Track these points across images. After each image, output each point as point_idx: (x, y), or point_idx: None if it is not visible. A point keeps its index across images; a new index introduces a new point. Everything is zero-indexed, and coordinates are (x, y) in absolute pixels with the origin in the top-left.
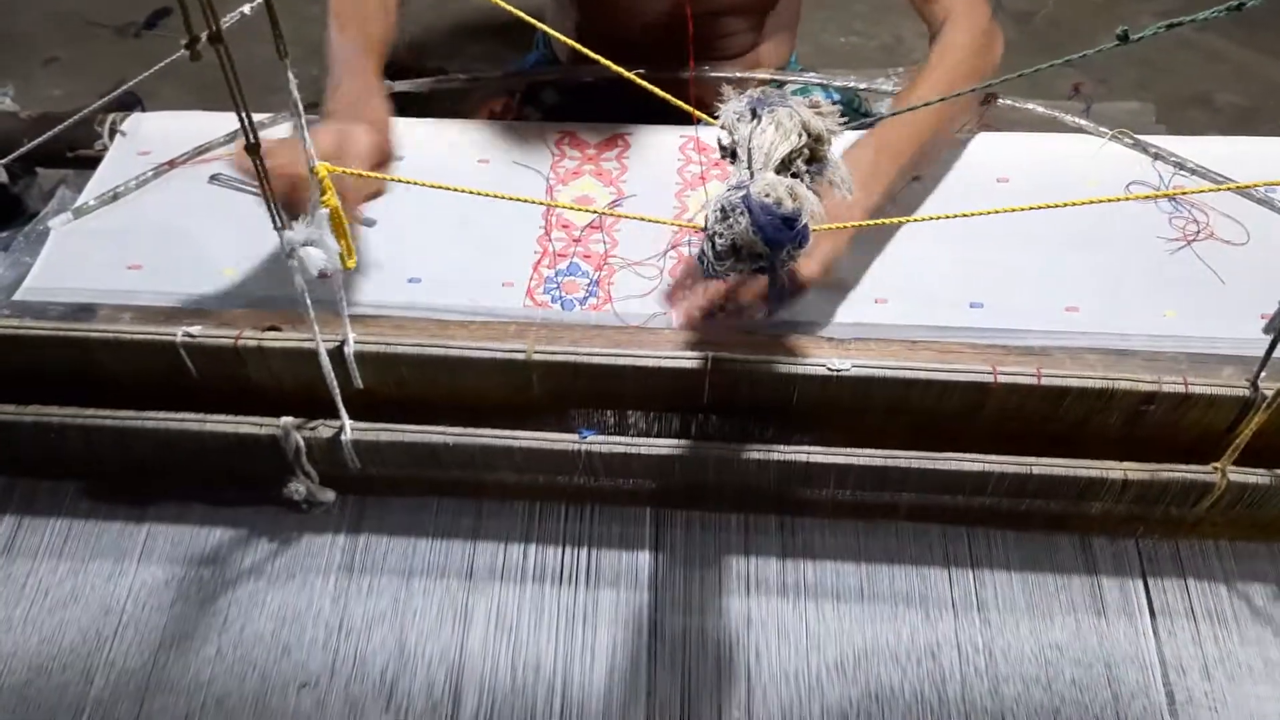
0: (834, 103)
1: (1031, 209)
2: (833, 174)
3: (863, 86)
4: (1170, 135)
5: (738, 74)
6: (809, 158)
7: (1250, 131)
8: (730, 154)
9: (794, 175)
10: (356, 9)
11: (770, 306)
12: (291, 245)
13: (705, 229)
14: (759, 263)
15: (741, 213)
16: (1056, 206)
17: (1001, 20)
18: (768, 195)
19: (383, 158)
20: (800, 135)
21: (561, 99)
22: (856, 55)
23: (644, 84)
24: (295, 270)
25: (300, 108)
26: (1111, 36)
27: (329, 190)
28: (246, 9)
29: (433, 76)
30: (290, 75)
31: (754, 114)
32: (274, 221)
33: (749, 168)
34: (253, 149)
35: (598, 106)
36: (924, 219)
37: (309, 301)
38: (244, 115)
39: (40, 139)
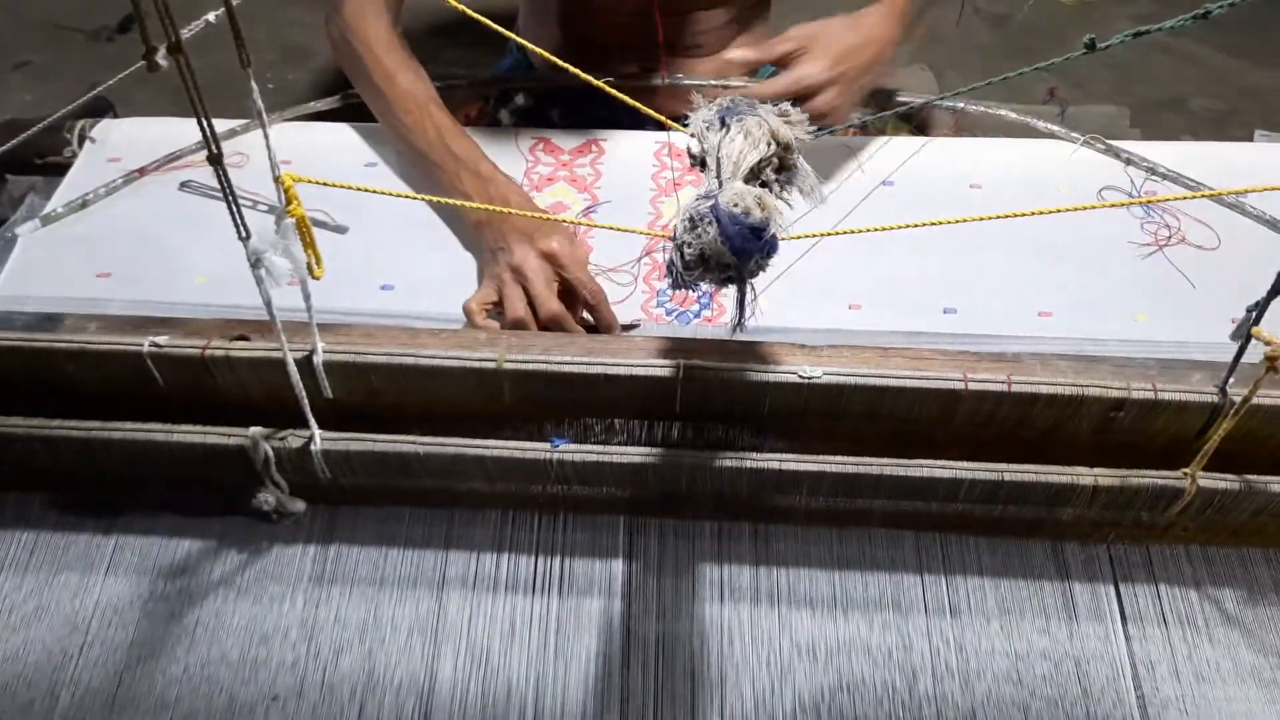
0: None
1: (1009, 216)
2: (801, 182)
3: None
4: (1144, 139)
5: (710, 81)
6: (778, 166)
7: (1224, 135)
8: (700, 162)
9: (763, 184)
10: (411, 82)
11: (738, 318)
12: (257, 255)
13: (674, 239)
14: (727, 272)
15: (710, 222)
16: (1035, 214)
17: (976, 25)
18: (736, 205)
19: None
20: (769, 144)
21: (535, 103)
22: None
23: (615, 93)
24: (261, 280)
25: (264, 118)
26: (1084, 38)
27: (295, 199)
28: (211, 17)
29: None
30: (253, 85)
31: (723, 122)
32: (238, 230)
33: (718, 177)
34: (215, 159)
35: (572, 110)
36: (898, 227)
37: (275, 311)
38: (207, 126)
39: (6, 146)
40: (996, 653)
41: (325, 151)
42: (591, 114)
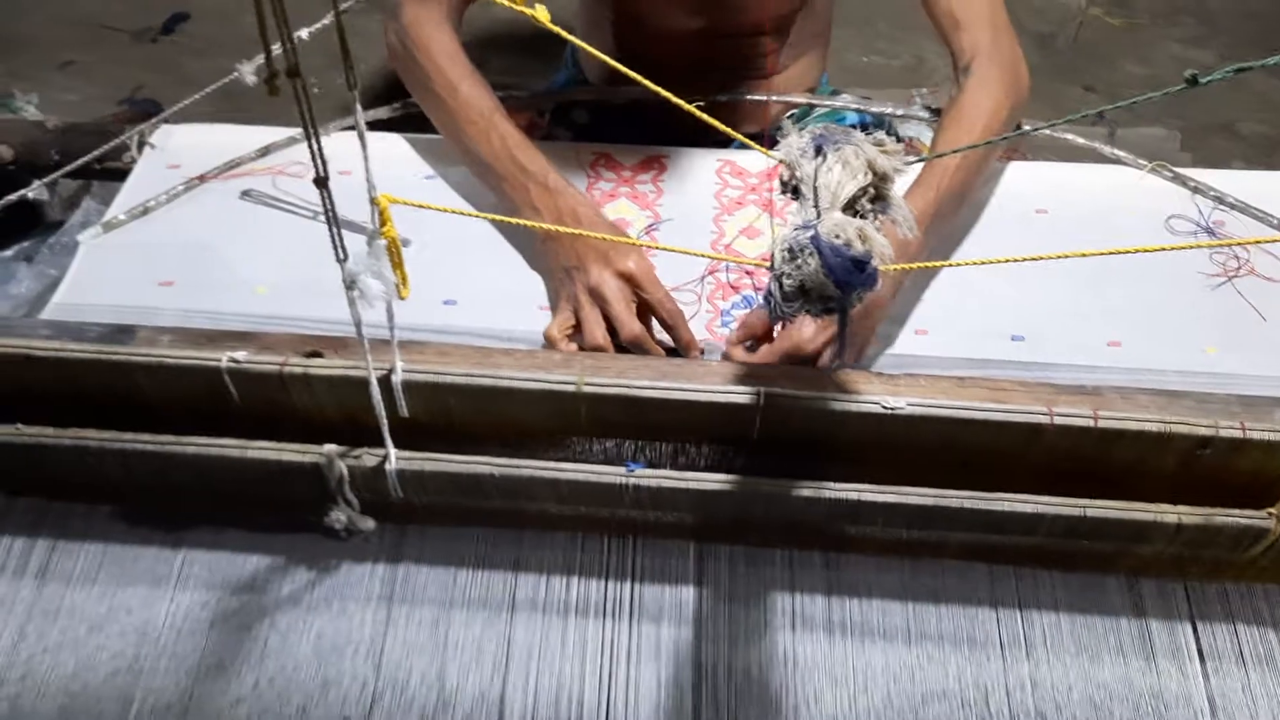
0: (864, 126)
1: (1096, 254)
2: (896, 213)
3: (899, 113)
4: (1195, 163)
5: (773, 97)
6: (874, 196)
7: (1276, 160)
8: (793, 190)
9: (859, 215)
10: (474, 94)
11: (838, 352)
12: (353, 276)
13: (772, 269)
14: (828, 305)
15: (811, 254)
16: (1119, 253)
17: (1023, 43)
18: (837, 236)
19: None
20: (866, 174)
21: (592, 119)
22: (880, 75)
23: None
24: (354, 300)
25: (365, 139)
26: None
27: (388, 221)
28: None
29: None
30: (357, 105)
31: (819, 151)
32: (336, 252)
33: (815, 207)
34: (321, 181)
35: (629, 128)
36: (975, 263)
37: (364, 332)
38: (317, 149)
39: (86, 158)
40: (1074, 689)
41: (383, 163)
42: (649, 131)
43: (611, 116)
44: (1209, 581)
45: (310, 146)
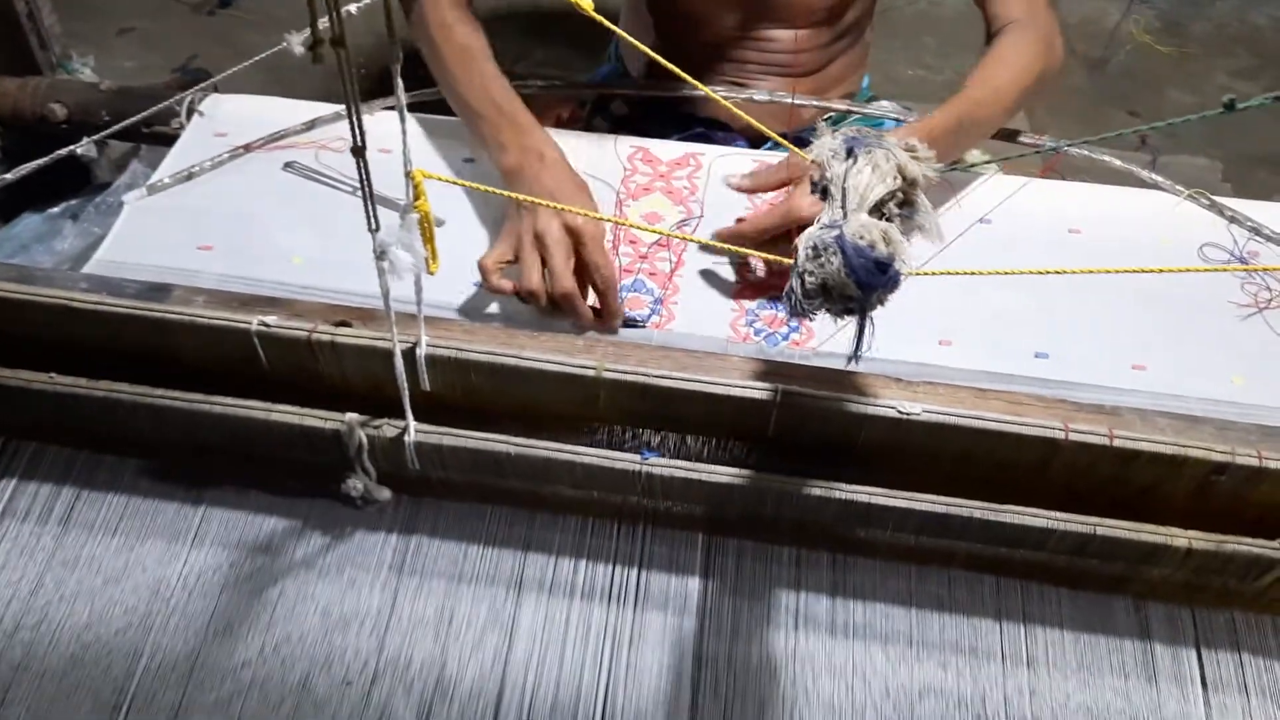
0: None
1: (1126, 272)
2: (923, 220)
3: None
4: (1236, 194)
5: (811, 101)
6: (901, 201)
7: None
8: (821, 190)
9: (885, 218)
10: (465, 36)
11: (855, 350)
12: (384, 247)
13: (794, 266)
14: (848, 304)
15: (834, 253)
16: (1146, 272)
17: (1072, 66)
18: (862, 237)
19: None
20: (896, 178)
21: (631, 112)
22: (923, 88)
23: (725, 103)
24: (384, 272)
25: (404, 114)
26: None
27: (423, 195)
28: (353, 8)
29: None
30: (398, 81)
31: (850, 153)
32: (368, 221)
33: (842, 207)
34: (359, 151)
35: (666, 123)
36: (1004, 272)
37: (391, 303)
38: (356, 120)
39: (134, 118)
40: (1072, 706)
41: (423, 143)
42: (686, 128)
43: (650, 111)
44: (1217, 609)
45: (349, 115)
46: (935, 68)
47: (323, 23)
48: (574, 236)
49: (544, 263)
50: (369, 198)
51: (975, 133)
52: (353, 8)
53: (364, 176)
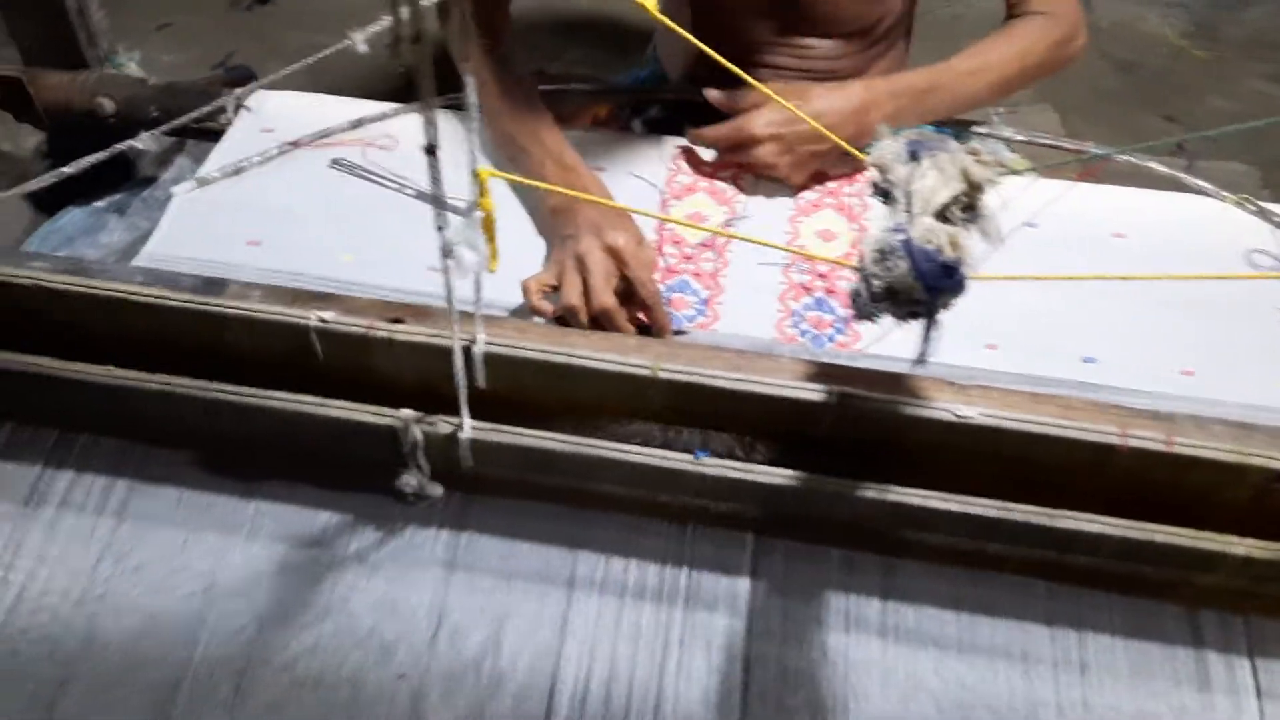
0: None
1: (1176, 278)
2: (986, 225)
3: (983, 132)
4: (1275, 199)
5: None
6: (965, 205)
7: None
8: (883, 194)
9: (949, 222)
10: (511, 69)
11: (922, 353)
12: (450, 245)
13: (860, 269)
14: (915, 308)
15: (901, 256)
16: (1196, 278)
17: (1105, 69)
18: (929, 241)
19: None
20: (960, 182)
21: (669, 115)
22: None
23: (783, 101)
24: (448, 269)
25: (475, 113)
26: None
27: (486, 193)
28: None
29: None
30: (468, 80)
31: (913, 156)
32: (436, 220)
33: (907, 211)
34: (431, 150)
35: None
36: (1058, 278)
37: (453, 300)
38: (430, 120)
39: (190, 116)
40: (1124, 714)
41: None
42: None
43: (688, 115)
44: (1272, 618)
45: (423, 115)
46: None
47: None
48: (616, 257)
49: (585, 283)
50: (438, 196)
51: (948, 100)
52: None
53: (435, 176)
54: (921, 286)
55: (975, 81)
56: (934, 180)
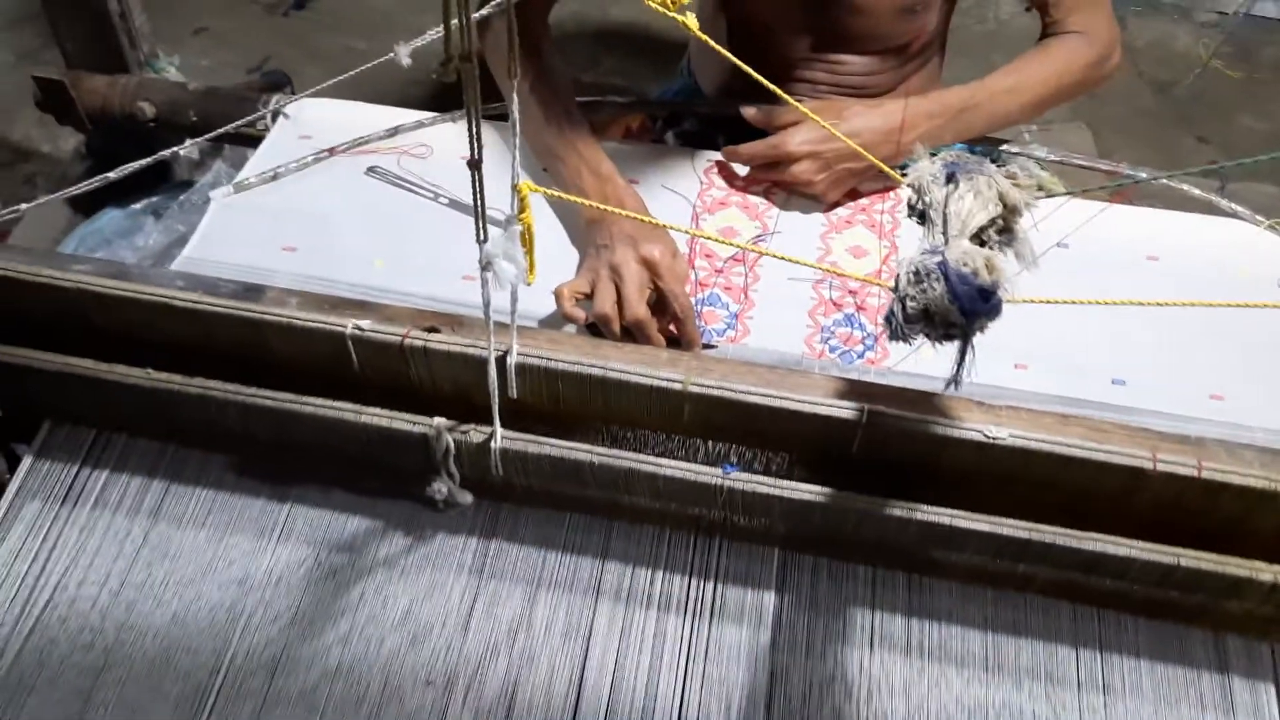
0: (993, 159)
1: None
2: (1021, 249)
3: (1014, 151)
4: None
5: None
6: (1001, 229)
7: None
8: (919, 215)
9: (985, 245)
10: (548, 76)
11: (955, 375)
12: (490, 258)
13: (896, 290)
14: (950, 330)
15: (937, 279)
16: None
17: (1140, 89)
18: (966, 264)
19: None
20: (998, 205)
21: (702, 129)
22: None
23: (814, 116)
24: (487, 281)
25: (517, 129)
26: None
27: (527, 208)
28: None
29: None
30: (514, 96)
31: (950, 178)
32: (478, 234)
33: (944, 233)
34: (476, 164)
35: (738, 142)
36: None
37: (491, 312)
38: (475, 134)
39: (236, 124)
40: None
41: (503, 151)
42: None
43: (721, 130)
44: None
45: (469, 130)
46: None
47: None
48: (650, 269)
49: (618, 292)
50: (481, 210)
51: (984, 119)
52: (478, 14)
53: (478, 190)
54: (957, 310)
55: (1011, 100)
56: (971, 203)
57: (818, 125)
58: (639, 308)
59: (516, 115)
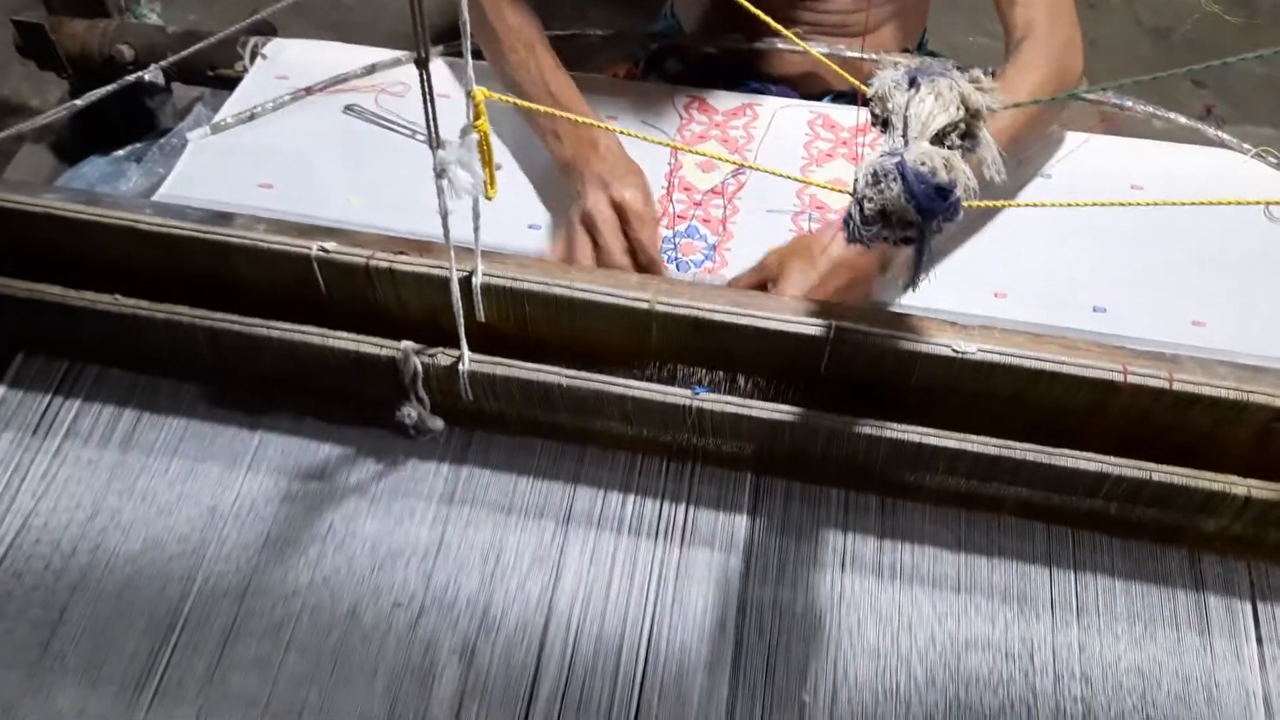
0: None
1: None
2: (985, 153)
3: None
4: None
5: (866, 54)
6: (964, 133)
7: None
8: (882, 123)
9: (947, 148)
10: (522, 24)
11: (912, 278)
12: (444, 165)
13: (854, 193)
14: (908, 231)
15: (894, 179)
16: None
17: (1138, 35)
18: (923, 163)
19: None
20: (959, 108)
21: (685, 68)
22: (984, 55)
23: (802, 43)
24: (442, 191)
25: (466, 25)
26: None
27: (482, 115)
28: None
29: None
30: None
31: (913, 82)
32: (430, 141)
33: (904, 135)
34: (422, 62)
35: (722, 81)
36: (1058, 203)
37: (449, 225)
38: (420, 29)
39: (200, 44)
40: (1122, 657)
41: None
42: (740, 84)
43: (704, 69)
44: (1275, 564)
45: (414, 23)
46: (996, 34)
47: None
48: (621, 214)
49: (594, 243)
50: (431, 107)
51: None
52: None
53: (426, 87)
54: (914, 209)
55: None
56: (931, 105)
57: (805, 268)
58: (616, 256)
59: (465, 14)
